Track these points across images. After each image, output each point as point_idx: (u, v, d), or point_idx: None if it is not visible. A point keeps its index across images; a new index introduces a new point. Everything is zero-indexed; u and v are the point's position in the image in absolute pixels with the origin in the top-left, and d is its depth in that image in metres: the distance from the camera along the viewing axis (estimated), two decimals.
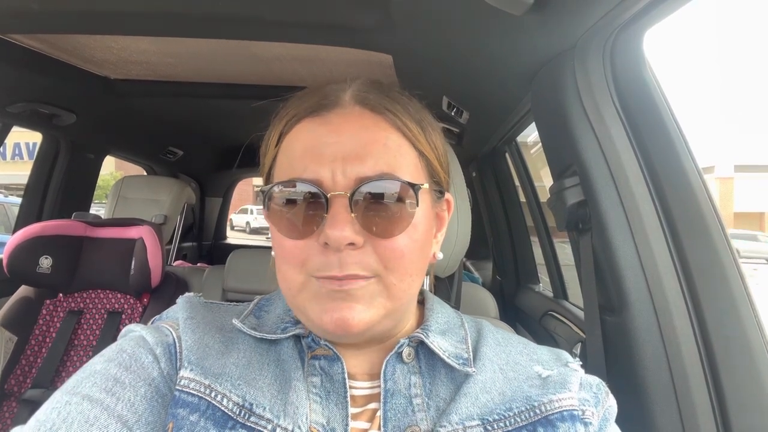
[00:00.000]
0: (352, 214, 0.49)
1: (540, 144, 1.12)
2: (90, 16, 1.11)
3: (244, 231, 20.60)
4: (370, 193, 0.50)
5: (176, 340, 0.54)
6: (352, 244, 0.48)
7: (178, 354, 0.53)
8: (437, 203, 0.59)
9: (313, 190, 0.50)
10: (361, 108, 0.54)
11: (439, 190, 0.59)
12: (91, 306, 1.71)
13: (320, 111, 0.54)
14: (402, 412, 0.52)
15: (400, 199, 0.51)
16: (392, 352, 0.55)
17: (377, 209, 0.50)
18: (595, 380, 0.58)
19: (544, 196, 2.08)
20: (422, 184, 0.53)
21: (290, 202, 0.51)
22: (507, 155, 2.21)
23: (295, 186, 0.51)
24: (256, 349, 0.55)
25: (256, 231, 19.95)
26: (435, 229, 0.59)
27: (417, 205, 0.51)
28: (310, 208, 0.50)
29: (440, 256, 0.61)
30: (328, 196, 0.49)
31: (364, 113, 0.54)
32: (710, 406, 0.75)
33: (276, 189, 0.52)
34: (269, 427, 0.48)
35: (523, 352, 0.60)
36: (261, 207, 0.56)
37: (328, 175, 0.50)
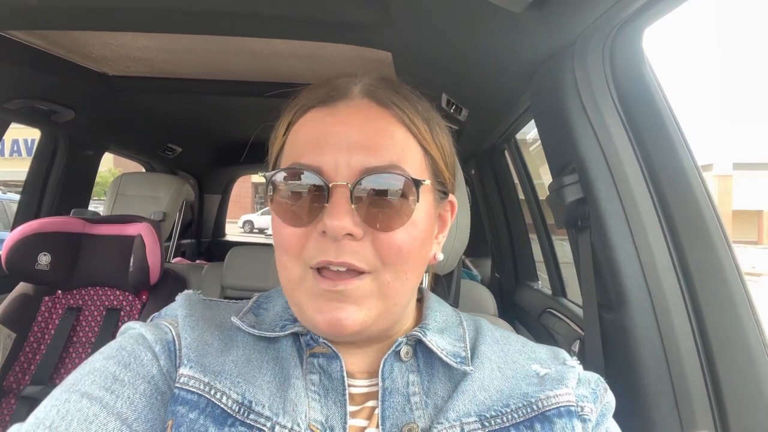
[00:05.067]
0: (353, 206, 0.49)
1: (539, 141, 1.12)
2: (88, 12, 1.11)
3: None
4: (371, 186, 0.50)
5: (175, 338, 0.54)
6: (350, 235, 0.48)
7: (177, 351, 0.53)
8: (440, 204, 0.58)
9: (314, 177, 0.50)
10: (369, 101, 0.54)
11: (443, 190, 0.58)
12: (89, 303, 1.71)
13: (328, 102, 0.54)
14: (400, 411, 0.52)
15: (401, 194, 0.50)
16: (390, 350, 0.55)
17: (378, 202, 0.50)
18: (593, 376, 0.58)
19: (543, 193, 2.08)
20: (424, 180, 0.52)
21: (292, 189, 0.51)
22: (506, 153, 2.20)
23: (296, 173, 0.51)
24: (255, 347, 0.55)
25: None
26: (437, 230, 0.59)
27: (417, 201, 0.51)
28: (310, 197, 0.50)
29: (441, 257, 0.61)
30: (330, 185, 0.49)
31: (371, 106, 0.54)
32: (708, 403, 0.75)
33: (278, 175, 0.52)
34: (268, 424, 0.48)
35: (521, 350, 0.60)
36: None
37: (331, 164, 0.50)
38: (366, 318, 0.50)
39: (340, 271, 0.49)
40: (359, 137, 0.51)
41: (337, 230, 0.47)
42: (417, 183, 0.51)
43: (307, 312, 0.51)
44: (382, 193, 0.50)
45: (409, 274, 0.53)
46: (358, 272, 0.49)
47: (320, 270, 0.50)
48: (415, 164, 0.53)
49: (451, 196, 0.61)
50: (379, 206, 0.50)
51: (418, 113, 0.55)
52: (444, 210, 0.60)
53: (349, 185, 0.49)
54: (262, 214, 19.69)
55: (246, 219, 19.58)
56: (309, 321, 0.51)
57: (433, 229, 0.58)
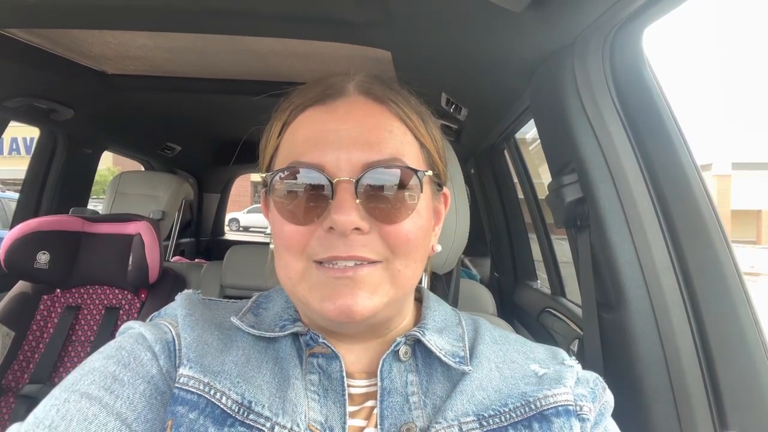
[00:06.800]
0: (357, 201, 0.49)
1: (539, 141, 1.12)
2: (87, 11, 1.10)
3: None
4: (375, 180, 0.50)
5: (175, 338, 0.54)
6: (357, 229, 0.49)
7: (177, 351, 0.53)
8: (436, 196, 0.59)
9: (317, 174, 0.50)
10: (365, 97, 0.55)
11: (438, 183, 0.59)
12: (88, 302, 1.71)
13: (325, 100, 0.55)
14: (398, 410, 0.52)
15: (404, 186, 0.51)
16: (389, 350, 0.55)
17: (382, 196, 0.50)
18: (592, 376, 0.58)
19: (542, 192, 2.08)
20: (426, 171, 0.54)
21: (293, 187, 0.51)
22: (505, 152, 2.21)
23: (298, 171, 0.51)
24: (255, 347, 0.55)
25: None
26: (433, 222, 0.60)
27: (421, 191, 0.52)
28: (314, 194, 0.50)
29: (438, 248, 0.62)
30: (334, 181, 0.49)
31: (367, 102, 0.55)
32: (707, 402, 0.75)
33: (279, 175, 0.52)
34: (268, 425, 0.48)
35: (519, 350, 0.60)
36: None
37: (333, 161, 0.50)
38: (377, 304, 0.50)
39: (347, 266, 0.49)
40: (358, 133, 0.51)
41: (345, 225, 0.48)
42: (419, 173, 0.52)
43: (313, 304, 0.50)
44: (385, 187, 0.50)
45: (417, 262, 0.53)
46: (369, 261, 0.50)
47: (324, 263, 0.50)
48: (413, 157, 0.54)
49: (444, 189, 0.62)
50: (383, 199, 0.50)
51: (411, 107, 0.56)
52: (438, 202, 0.61)
53: (353, 180, 0.49)
54: (248, 212, 19.64)
55: (232, 217, 19.44)
56: (317, 312, 0.51)
57: (432, 220, 0.58)
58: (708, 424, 0.74)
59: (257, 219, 18.12)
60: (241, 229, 19.21)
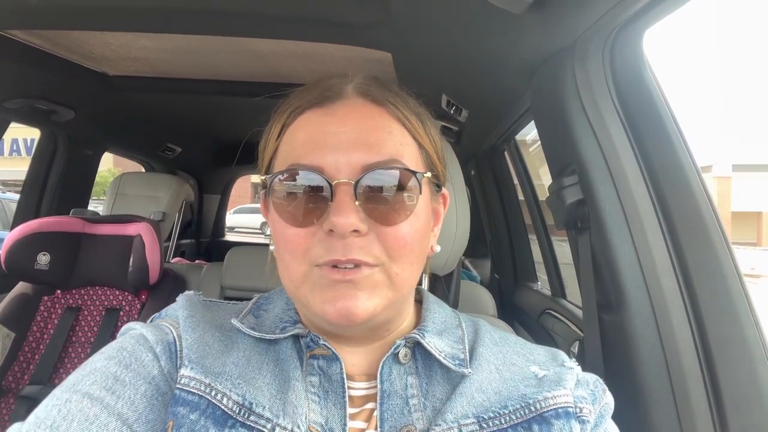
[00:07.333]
0: (357, 202, 0.49)
1: (539, 142, 1.12)
2: (88, 12, 1.11)
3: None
4: (374, 182, 0.50)
5: (176, 339, 0.54)
6: (356, 231, 0.49)
7: (178, 352, 0.53)
8: (434, 197, 0.60)
9: (317, 177, 0.50)
10: (364, 99, 0.55)
11: (437, 183, 0.60)
12: (89, 303, 1.71)
13: (323, 102, 0.55)
14: (398, 413, 0.52)
15: (402, 188, 0.51)
16: (389, 353, 0.55)
17: (380, 198, 0.50)
18: (592, 377, 0.58)
19: (542, 194, 2.08)
20: (425, 173, 0.54)
21: (293, 189, 0.51)
22: (506, 153, 2.21)
23: (297, 173, 0.51)
24: (255, 349, 0.55)
25: None
26: (432, 223, 0.60)
27: (420, 193, 0.52)
28: (313, 196, 0.50)
29: (438, 249, 0.62)
30: (333, 183, 0.49)
31: (366, 104, 0.55)
32: (707, 404, 0.75)
33: (279, 177, 0.52)
34: (269, 426, 0.48)
35: (519, 352, 0.60)
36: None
37: (332, 163, 0.50)
38: (377, 306, 0.50)
39: (348, 268, 0.49)
40: (357, 135, 0.51)
41: (344, 227, 0.48)
42: (417, 175, 0.52)
43: (314, 306, 0.51)
44: (384, 189, 0.51)
45: (414, 265, 0.54)
46: (366, 264, 0.50)
47: (325, 266, 0.50)
48: (412, 158, 0.54)
49: (443, 189, 0.62)
50: (381, 201, 0.50)
51: (410, 109, 0.57)
52: (437, 203, 0.61)
53: (352, 182, 0.49)
54: (234, 212, 19.55)
55: None
56: (318, 314, 0.51)
57: (431, 221, 0.58)
58: (708, 426, 0.74)
59: (243, 219, 18.29)
60: (226, 229, 19.21)
